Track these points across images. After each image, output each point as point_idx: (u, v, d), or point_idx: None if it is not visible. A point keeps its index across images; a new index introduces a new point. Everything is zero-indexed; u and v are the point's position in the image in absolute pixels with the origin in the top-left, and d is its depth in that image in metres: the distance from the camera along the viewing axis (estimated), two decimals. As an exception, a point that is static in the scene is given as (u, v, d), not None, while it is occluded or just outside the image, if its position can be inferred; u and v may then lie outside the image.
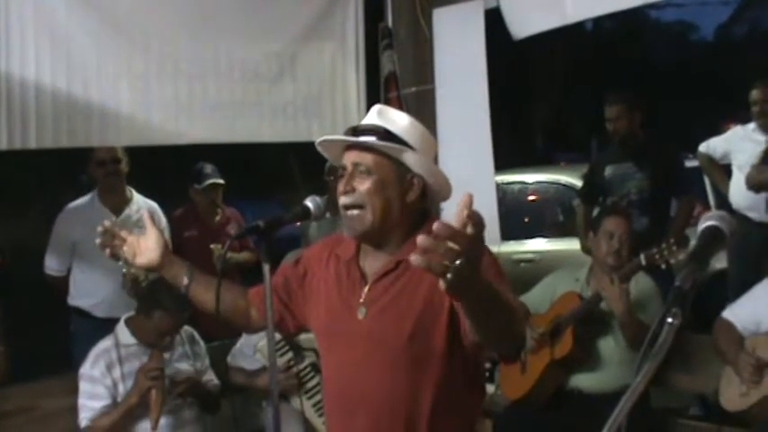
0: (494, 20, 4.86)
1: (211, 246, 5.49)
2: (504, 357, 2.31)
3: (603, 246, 4.25)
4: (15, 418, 4.38)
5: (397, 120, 2.51)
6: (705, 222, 1.75)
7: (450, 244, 1.62)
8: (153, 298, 3.92)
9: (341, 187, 2.46)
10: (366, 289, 2.49)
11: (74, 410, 3.86)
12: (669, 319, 1.54)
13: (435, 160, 2.63)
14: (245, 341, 4.38)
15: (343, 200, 2.45)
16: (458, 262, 1.63)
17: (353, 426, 2.48)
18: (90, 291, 5.04)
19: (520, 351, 2.37)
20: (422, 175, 2.47)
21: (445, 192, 2.56)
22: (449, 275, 1.64)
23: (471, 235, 1.66)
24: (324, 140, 2.58)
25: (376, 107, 2.59)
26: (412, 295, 2.41)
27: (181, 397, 3.96)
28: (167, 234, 5.34)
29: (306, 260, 2.74)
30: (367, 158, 2.44)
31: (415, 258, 1.61)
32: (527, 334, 4.27)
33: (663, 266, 3.98)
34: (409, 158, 2.45)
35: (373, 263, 2.52)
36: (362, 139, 2.46)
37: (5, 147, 4.08)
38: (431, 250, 1.61)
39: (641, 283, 4.22)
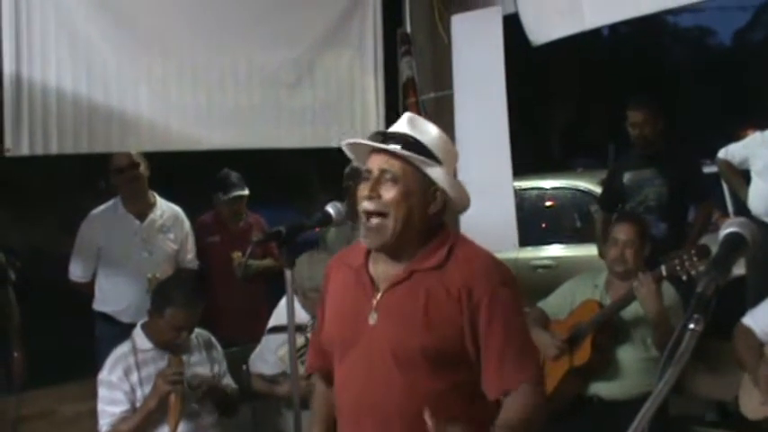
0: (512, 26, 4.86)
1: (232, 255, 5.50)
2: None
3: (610, 252, 4.29)
4: (35, 422, 4.41)
5: (428, 131, 2.49)
6: (727, 229, 1.73)
7: None
8: (163, 295, 3.91)
9: (365, 191, 2.41)
10: (378, 295, 2.46)
11: (93, 415, 3.86)
12: (691, 326, 1.53)
13: (455, 170, 2.61)
14: (264, 346, 4.37)
15: (366, 205, 2.41)
16: None
17: None
18: (115, 296, 5.03)
19: None
20: (445, 189, 2.45)
21: (465, 204, 2.55)
22: None
23: None
24: (353, 143, 2.55)
25: (407, 115, 2.56)
26: (425, 305, 2.39)
27: (200, 401, 3.95)
28: (191, 239, 5.36)
29: (325, 279, 2.72)
30: (395, 166, 2.40)
31: None
32: (548, 343, 4.26)
33: (684, 278, 3.94)
34: (436, 172, 2.42)
35: (385, 269, 2.49)
36: (393, 146, 2.41)
37: (27, 153, 4.11)
38: None
39: (664, 293, 4.19)
